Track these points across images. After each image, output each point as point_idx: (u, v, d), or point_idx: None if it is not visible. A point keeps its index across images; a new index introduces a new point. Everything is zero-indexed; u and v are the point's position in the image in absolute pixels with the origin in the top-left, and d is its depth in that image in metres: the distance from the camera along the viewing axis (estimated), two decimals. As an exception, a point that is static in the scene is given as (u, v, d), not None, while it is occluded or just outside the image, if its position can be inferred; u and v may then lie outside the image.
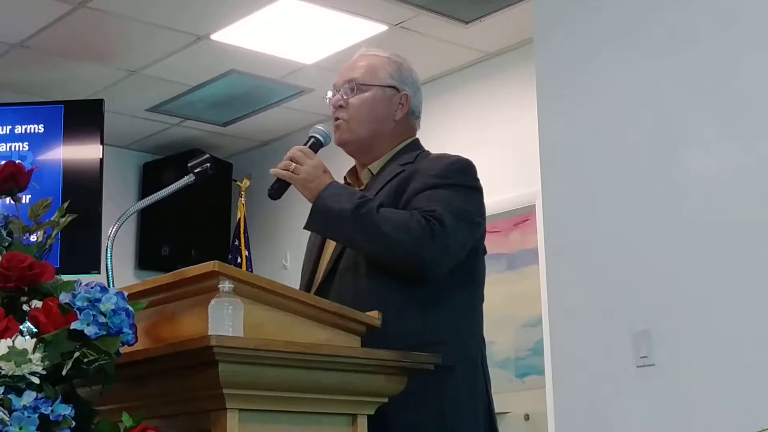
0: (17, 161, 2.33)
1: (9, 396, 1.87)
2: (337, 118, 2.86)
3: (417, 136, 2.96)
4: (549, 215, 4.45)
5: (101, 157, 6.28)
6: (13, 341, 1.93)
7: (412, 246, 2.55)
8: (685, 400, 3.86)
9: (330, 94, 2.91)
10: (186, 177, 2.63)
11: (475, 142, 5.69)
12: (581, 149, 4.35)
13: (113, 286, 2.27)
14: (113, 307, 1.95)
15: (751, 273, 3.77)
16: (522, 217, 5.76)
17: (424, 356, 2.38)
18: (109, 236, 2.36)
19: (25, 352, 1.91)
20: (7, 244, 2.22)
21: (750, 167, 3.84)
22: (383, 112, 2.86)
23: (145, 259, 7.44)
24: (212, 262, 2.21)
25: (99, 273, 6.44)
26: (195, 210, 7.29)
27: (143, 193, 7.60)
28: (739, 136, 3.89)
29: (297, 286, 7.62)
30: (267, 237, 7.27)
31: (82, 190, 6.13)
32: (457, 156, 2.83)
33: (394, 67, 2.90)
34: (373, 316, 2.40)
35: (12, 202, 2.31)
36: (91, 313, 1.93)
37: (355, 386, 2.31)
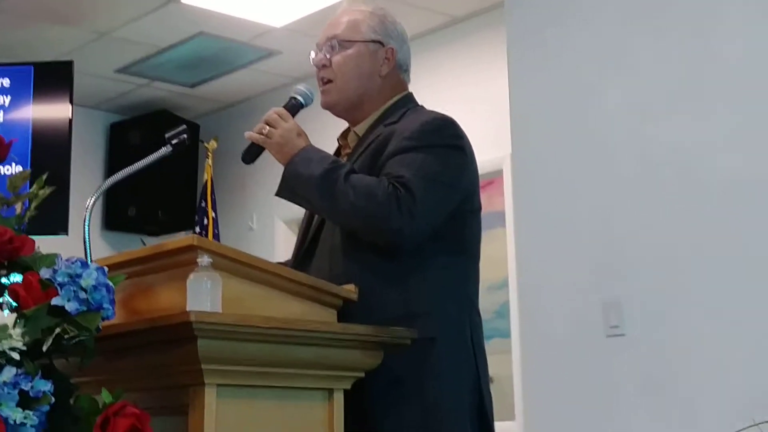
0: (-6, 133, 2.32)
1: (-12, 372, 1.88)
2: (323, 79, 2.76)
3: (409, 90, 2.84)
4: (519, 181, 4.46)
5: (70, 118, 6.25)
6: (-6, 316, 1.93)
7: (376, 215, 2.45)
8: (654, 370, 3.91)
9: (313, 54, 2.80)
10: (163, 148, 2.61)
11: (444, 107, 5.69)
12: (552, 116, 4.38)
13: (91, 259, 2.27)
14: (94, 282, 1.95)
15: (724, 246, 3.82)
16: (487, 180, 5.78)
17: (401, 330, 2.38)
18: (86, 208, 2.35)
19: (5, 327, 1.91)
20: (-13, 218, 2.21)
21: (723, 139, 3.86)
22: (368, 68, 2.75)
23: (112, 220, 7.41)
24: (191, 236, 2.23)
25: (66, 234, 6.41)
26: (161, 171, 7.23)
27: (110, 153, 7.58)
28: (714, 107, 3.91)
29: (263, 248, 7.58)
30: (234, 199, 7.26)
31: (51, 151, 6.09)
32: (435, 114, 2.70)
33: (376, 20, 2.78)
34: (350, 290, 2.41)
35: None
36: (71, 288, 1.93)
37: (332, 361, 2.31)
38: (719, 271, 3.81)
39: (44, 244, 2.14)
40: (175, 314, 2.10)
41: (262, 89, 7.10)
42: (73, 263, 1.96)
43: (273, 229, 6.99)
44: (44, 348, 1.90)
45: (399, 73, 2.81)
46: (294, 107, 2.70)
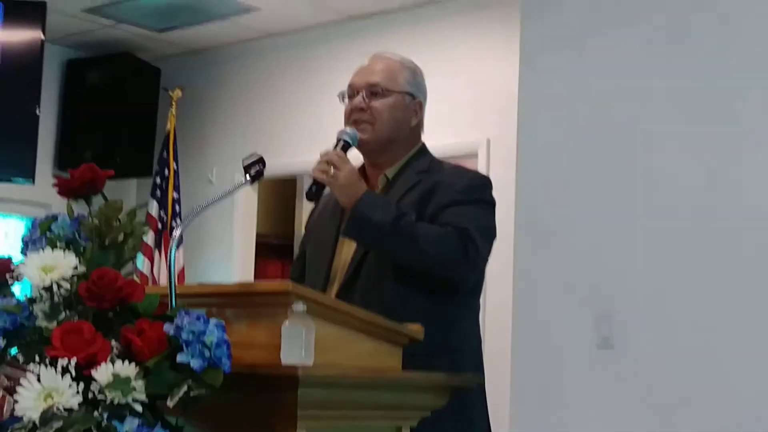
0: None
1: (113, 423, 1.93)
2: (357, 121, 2.95)
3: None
4: (522, 193, 4.56)
5: (41, 58, 6.17)
6: (113, 364, 1.98)
7: (449, 263, 2.73)
8: (642, 382, 4.09)
9: (347, 93, 3.00)
10: (242, 181, 2.66)
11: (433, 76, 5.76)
12: (559, 125, 4.49)
13: (175, 282, 2.27)
14: (216, 340, 2.01)
15: (714, 265, 4.01)
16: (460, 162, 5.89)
17: (471, 376, 2.62)
18: (173, 237, 2.37)
19: (128, 380, 1.96)
20: (82, 250, 2.24)
21: (719, 167, 4.06)
22: (402, 117, 2.98)
23: (66, 161, 7.22)
24: (286, 282, 2.29)
25: (33, 182, 6.32)
26: (119, 113, 7.18)
27: (65, 90, 7.42)
28: (716, 138, 4.08)
29: (222, 203, 7.49)
30: (194, 150, 7.20)
31: (19, 88, 6.05)
32: (476, 171, 3.07)
33: (410, 73, 3.02)
34: (417, 330, 2.53)
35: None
36: (197, 346, 1.99)
37: (406, 402, 2.46)
38: (709, 291, 4.01)
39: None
40: (281, 366, 2.18)
41: (230, 40, 7.02)
42: (195, 319, 2.02)
43: (233, 184, 6.93)
44: (171, 404, 1.97)
45: (419, 125, 3.06)
46: (344, 149, 2.87)
